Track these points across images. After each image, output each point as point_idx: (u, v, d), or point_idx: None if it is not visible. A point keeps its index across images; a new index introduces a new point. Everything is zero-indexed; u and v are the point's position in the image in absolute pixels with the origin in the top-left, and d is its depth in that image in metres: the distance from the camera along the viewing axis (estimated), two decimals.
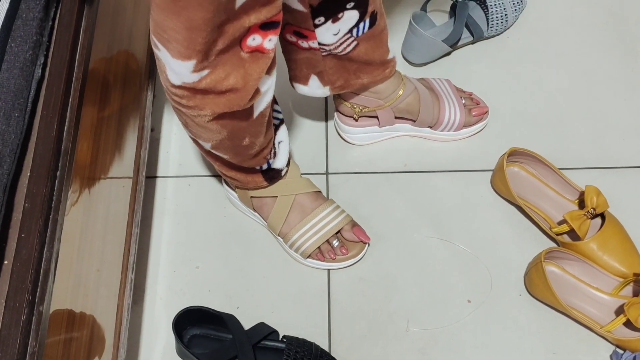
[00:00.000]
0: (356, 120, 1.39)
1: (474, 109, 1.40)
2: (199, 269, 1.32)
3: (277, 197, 1.28)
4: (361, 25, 1.19)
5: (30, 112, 0.90)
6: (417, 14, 1.51)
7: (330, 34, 1.20)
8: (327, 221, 1.28)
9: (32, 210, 0.83)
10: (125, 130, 1.22)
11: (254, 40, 0.92)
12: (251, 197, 1.29)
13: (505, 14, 1.53)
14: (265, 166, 1.22)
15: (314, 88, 1.30)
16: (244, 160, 1.18)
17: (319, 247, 1.29)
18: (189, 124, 1.06)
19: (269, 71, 1.00)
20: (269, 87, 1.04)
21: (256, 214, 1.32)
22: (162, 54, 0.92)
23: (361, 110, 1.36)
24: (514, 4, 1.54)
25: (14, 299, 0.77)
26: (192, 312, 1.22)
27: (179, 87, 0.95)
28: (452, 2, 1.53)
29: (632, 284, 1.24)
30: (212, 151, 1.14)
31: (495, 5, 1.52)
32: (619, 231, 1.28)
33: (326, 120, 1.46)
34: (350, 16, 1.18)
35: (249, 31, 0.90)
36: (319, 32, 1.16)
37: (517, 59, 1.53)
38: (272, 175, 1.25)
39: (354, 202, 1.36)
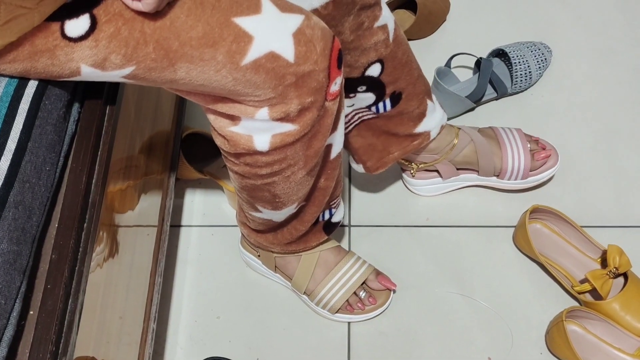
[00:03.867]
0: (413, 176, 1.40)
1: (537, 153, 1.39)
2: (220, 319, 1.33)
3: (301, 255, 1.28)
4: (380, 105, 1.21)
5: (62, 166, 0.92)
6: (442, 70, 1.53)
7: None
8: (352, 273, 1.29)
9: (59, 261, 0.84)
10: (152, 180, 1.25)
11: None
12: (275, 256, 1.30)
13: (529, 71, 1.54)
14: (327, 216, 1.22)
15: (353, 163, 1.36)
16: (317, 209, 1.16)
17: (347, 300, 1.29)
18: (279, 194, 1.06)
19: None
20: (342, 121, 1.05)
21: (277, 274, 1.33)
22: (246, 123, 0.95)
23: (418, 166, 1.38)
24: (537, 61, 1.56)
25: (37, 350, 0.79)
26: None
27: (269, 152, 0.97)
28: (476, 58, 1.55)
29: None
30: (293, 212, 1.14)
31: (519, 62, 1.54)
32: None
33: (349, 171, 1.48)
34: (364, 97, 1.20)
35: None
36: None
37: (541, 116, 1.54)
38: (332, 229, 1.26)
39: (376, 256, 1.37)
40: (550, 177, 1.42)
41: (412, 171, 1.39)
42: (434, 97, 1.29)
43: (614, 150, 1.49)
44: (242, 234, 1.31)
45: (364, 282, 1.30)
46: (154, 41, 0.84)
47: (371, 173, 1.34)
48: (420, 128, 1.27)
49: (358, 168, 1.35)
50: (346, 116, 1.25)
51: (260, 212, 1.13)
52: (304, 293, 1.30)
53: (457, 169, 1.39)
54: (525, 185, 1.41)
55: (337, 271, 1.28)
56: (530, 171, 1.39)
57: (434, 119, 1.29)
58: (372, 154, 1.31)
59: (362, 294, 1.29)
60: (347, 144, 1.31)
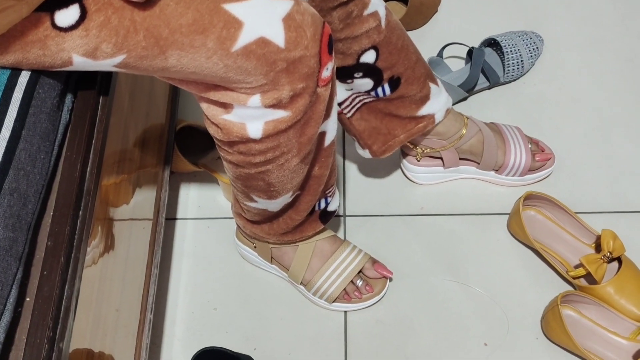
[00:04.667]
0: (418, 161, 1.41)
1: (538, 155, 1.41)
2: (217, 311, 1.33)
3: (298, 245, 1.29)
4: (379, 90, 1.22)
5: (57, 155, 0.92)
6: (434, 60, 1.54)
7: (342, 89, 1.23)
8: (348, 262, 1.29)
9: (55, 248, 0.84)
10: (146, 172, 1.25)
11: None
12: (271, 247, 1.30)
13: (522, 60, 1.55)
14: (323, 205, 1.22)
15: (359, 150, 1.36)
16: (313, 198, 1.16)
17: (344, 289, 1.29)
18: (274, 183, 1.06)
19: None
20: (335, 108, 1.05)
21: (273, 265, 1.33)
22: (239, 111, 0.95)
23: (423, 151, 1.38)
24: (529, 50, 1.56)
25: (34, 335, 0.79)
26: (209, 353, 1.23)
27: (262, 139, 0.97)
28: (468, 48, 1.56)
29: None
30: (289, 201, 1.14)
31: (511, 51, 1.54)
32: (636, 275, 1.28)
33: (344, 162, 1.48)
34: (361, 82, 1.21)
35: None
36: None
37: (533, 105, 1.54)
38: (328, 218, 1.26)
39: (371, 245, 1.37)
40: (546, 176, 1.43)
41: (417, 156, 1.39)
42: (438, 80, 1.30)
43: (606, 137, 1.50)
44: (237, 225, 1.32)
45: (360, 271, 1.30)
46: (144, 29, 0.85)
47: (378, 157, 1.34)
48: (423, 111, 1.28)
49: (364, 154, 1.35)
50: (347, 99, 1.26)
51: (256, 201, 1.14)
52: (301, 283, 1.31)
53: (459, 159, 1.40)
54: (521, 182, 1.42)
55: (333, 260, 1.28)
56: (529, 170, 1.40)
57: (438, 102, 1.29)
58: (377, 138, 1.31)
59: (358, 282, 1.30)
60: (351, 129, 1.32)
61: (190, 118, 1.48)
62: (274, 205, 1.14)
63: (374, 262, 1.31)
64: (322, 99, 0.97)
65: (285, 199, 1.12)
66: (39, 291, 0.82)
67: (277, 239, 1.26)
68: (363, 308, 1.31)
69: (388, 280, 1.32)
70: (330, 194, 1.21)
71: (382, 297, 1.31)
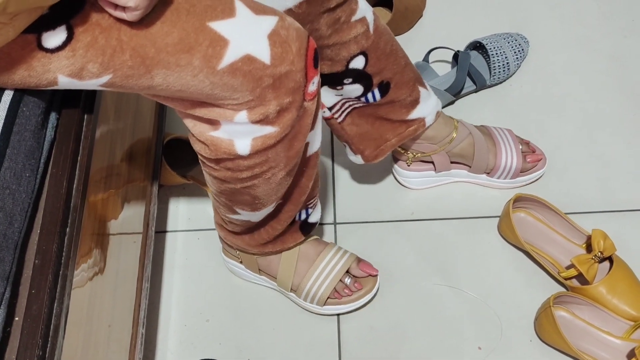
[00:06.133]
0: (409, 166, 1.40)
1: (529, 156, 1.41)
2: (209, 322, 1.33)
3: (281, 252, 1.28)
4: (370, 95, 1.22)
5: (43, 172, 0.92)
6: (420, 65, 1.54)
7: (331, 94, 1.23)
8: (335, 262, 1.29)
9: (42, 266, 0.84)
10: (135, 186, 1.25)
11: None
12: (257, 258, 1.29)
13: (507, 62, 1.55)
14: (304, 216, 1.22)
15: (351, 156, 1.35)
16: (294, 208, 1.16)
17: (334, 288, 1.29)
18: (259, 196, 1.06)
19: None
20: (319, 120, 1.05)
21: (262, 276, 1.33)
22: (226, 127, 0.95)
23: (414, 155, 1.38)
24: (515, 52, 1.57)
25: (24, 355, 0.78)
26: None
27: (250, 155, 0.97)
28: (454, 52, 1.56)
29: None
30: (270, 211, 1.13)
31: (496, 54, 1.55)
32: (627, 274, 1.28)
33: (333, 170, 1.48)
34: (351, 89, 1.21)
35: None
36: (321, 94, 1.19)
37: (521, 106, 1.55)
38: (309, 230, 1.25)
39: (363, 252, 1.36)
40: (537, 178, 1.43)
41: (408, 161, 1.40)
42: (427, 84, 1.30)
43: (594, 137, 1.50)
44: (219, 237, 1.31)
45: (347, 271, 1.30)
46: (130, 49, 0.85)
47: (370, 162, 1.34)
48: (413, 114, 1.28)
49: (357, 159, 1.35)
50: (337, 104, 1.26)
51: (239, 214, 1.13)
52: (291, 290, 1.30)
53: (450, 163, 1.40)
54: (513, 185, 1.42)
55: (319, 262, 1.28)
56: (520, 172, 1.40)
57: (428, 106, 1.29)
58: (368, 142, 1.31)
59: (347, 280, 1.30)
60: (342, 134, 1.32)
61: (178, 131, 1.47)
62: (257, 216, 1.14)
63: (359, 261, 1.31)
64: (309, 112, 0.97)
65: (268, 209, 1.12)
66: (27, 310, 0.81)
67: (259, 249, 1.25)
68: (356, 309, 1.31)
69: (378, 278, 1.31)
70: (312, 205, 1.21)
71: (374, 296, 1.31)
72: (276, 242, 1.23)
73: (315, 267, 1.28)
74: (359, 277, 1.31)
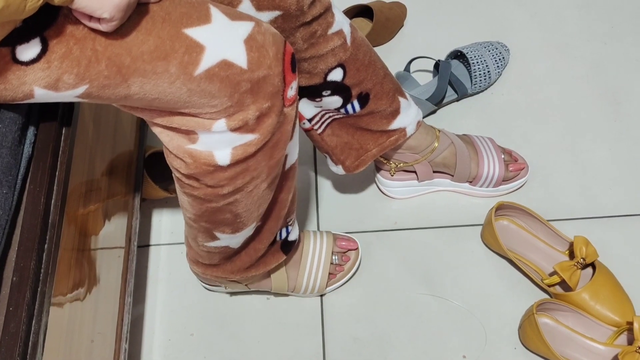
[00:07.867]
0: (392, 176, 1.41)
1: (511, 165, 1.41)
2: (194, 336, 1.32)
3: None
4: (349, 107, 1.22)
5: (21, 189, 0.91)
6: (401, 74, 1.54)
7: (310, 106, 1.23)
8: (319, 251, 1.31)
9: (20, 283, 0.84)
10: (116, 201, 1.24)
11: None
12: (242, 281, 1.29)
13: (488, 71, 1.56)
14: (284, 234, 1.21)
15: (332, 166, 1.36)
16: (275, 224, 1.15)
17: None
18: (241, 213, 1.05)
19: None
20: (297, 130, 1.05)
21: (252, 289, 1.33)
22: (205, 138, 0.94)
23: (397, 165, 1.38)
24: (495, 60, 1.57)
25: None
26: None
27: (230, 166, 0.97)
28: (435, 61, 1.57)
29: (625, 332, 1.24)
30: (250, 234, 1.13)
31: (477, 62, 1.55)
32: (610, 280, 1.28)
33: (316, 181, 1.48)
34: (330, 100, 1.21)
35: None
36: (300, 106, 1.19)
37: (502, 114, 1.55)
38: (289, 248, 1.25)
39: None
40: (520, 186, 1.43)
41: (391, 171, 1.40)
42: (407, 94, 1.30)
43: (576, 144, 1.51)
44: (197, 276, 1.30)
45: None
46: (105, 58, 0.84)
47: (351, 172, 1.34)
48: (394, 125, 1.28)
49: (338, 170, 1.35)
50: (316, 115, 1.26)
51: (218, 239, 1.12)
52: (288, 291, 1.33)
53: (433, 172, 1.40)
54: (496, 193, 1.43)
55: (305, 259, 1.30)
56: (503, 181, 1.41)
57: (408, 116, 1.29)
58: (349, 153, 1.31)
59: (335, 259, 1.32)
60: (322, 145, 1.32)
61: (160, 144, 1.47)
62: (237, 239, 1.13)
63: (336, 238, 1.34)
64: (289, 119, 0.97)
65: (249, 231, 1.11)
66: (5, 328, 0.81)
67: (241, 275, 1.23)
68: (350, 278, 1.35)
69: (358, 242, 1.35)
70: (291, 222, 1.21)
71: (360, 260, 1.35)
72: (259, 265, 1.22)
73: (304, 266, 1.29)
74: (342, 250, 1.33)
